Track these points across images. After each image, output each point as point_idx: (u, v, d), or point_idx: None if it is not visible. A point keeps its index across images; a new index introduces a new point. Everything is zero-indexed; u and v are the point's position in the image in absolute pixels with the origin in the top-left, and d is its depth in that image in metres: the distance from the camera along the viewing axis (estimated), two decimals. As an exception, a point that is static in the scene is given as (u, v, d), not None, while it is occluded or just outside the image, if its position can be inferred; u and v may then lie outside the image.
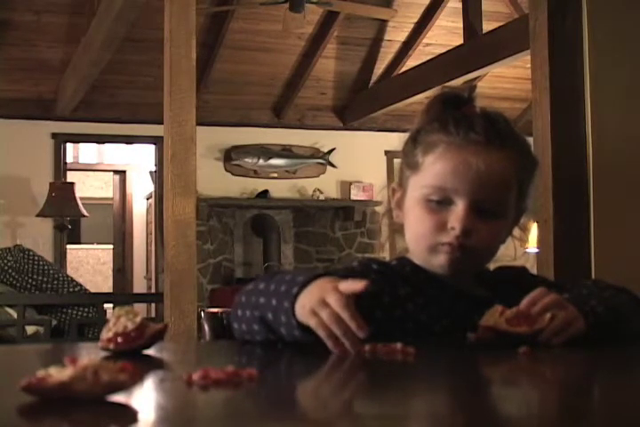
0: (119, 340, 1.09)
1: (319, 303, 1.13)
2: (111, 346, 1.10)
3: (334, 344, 1.12)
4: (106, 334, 1.11)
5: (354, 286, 1.13)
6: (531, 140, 3.03)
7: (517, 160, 1.42)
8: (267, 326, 1.23)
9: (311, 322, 1.13)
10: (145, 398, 0.81)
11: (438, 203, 1.39)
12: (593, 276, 3.02)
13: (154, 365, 1.08)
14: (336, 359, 1.12)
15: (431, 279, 1.42)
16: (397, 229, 1.50)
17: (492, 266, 1.51)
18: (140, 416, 0.72)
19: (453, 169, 1.38)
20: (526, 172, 1.45)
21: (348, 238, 8.53)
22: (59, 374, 0.72)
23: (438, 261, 1.40)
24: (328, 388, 0.96)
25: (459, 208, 1.38)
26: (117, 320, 1.11)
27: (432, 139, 1.42)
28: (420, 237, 1.42)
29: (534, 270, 3.00)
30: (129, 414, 0.72)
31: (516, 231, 1.49)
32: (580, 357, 1.24)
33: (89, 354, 1.19)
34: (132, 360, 0.83)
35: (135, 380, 0.75)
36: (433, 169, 1.40)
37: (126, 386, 0.75)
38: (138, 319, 1.10)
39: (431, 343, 1.29)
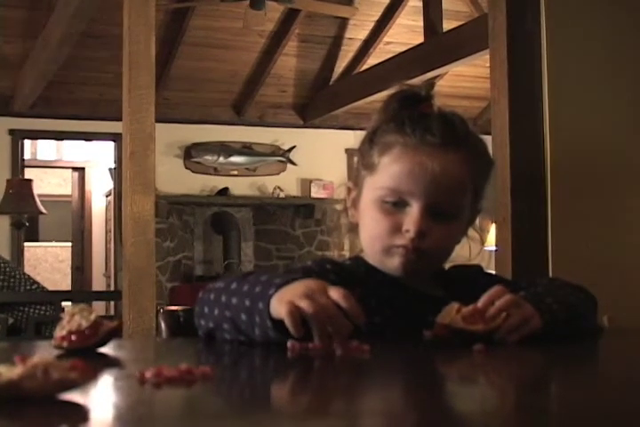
0: (73, 338, 1.08)
1: (301, 297, 1.11)
2: (65, 344, 1.09)
3: (297, 332, 1.10)
4: (59, 332, 1.09)
5: (345, 301, 1.12)
6: (489, 138, 3.05)
7: (473, 162, 1.41)
8: (237, 326, 1.21)
9: (283, 309, 1.10)
10: (97, 397, 0.81)
11: (394, 205, 1.39)
12: (550, 274, 3.04)
13: (108, 363, 1.07)
14: (291, 358, 1.11)
15: (385, 280, 1.42)
16: (353, 229, 1.49)
17: (446, 265, 1.51)
18: (92, 415, 0.71)
19: (409, 171, 1.38)
20: (482, 173, 1.45)
21: (309, 236, 8.53)
22: (8, 372, 0.71)
23: (392, 264, 1.40)
24: (282, 386, 0.96)
25: (414, 211, 1.38)
26: (71, 318, 1.10)
27: (388, 140, 1.41)
28: (374, 238, 1.41)
29: (492, 268, 3.03)
30: (80, 413, 0.71)
31: (471, 231, 1.50)
32: (535, 354, 1.25)
33: (42, 352, 1.18)
34: (86, 358, 0.82)
35: (86, 378, 0.75)
36: (388, 171, 1.40)
37: (77, 384, 0.74)
38: (92, 317, 1.09)
39: (386, 341, 1.29)
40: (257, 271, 1.29)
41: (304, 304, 1.10)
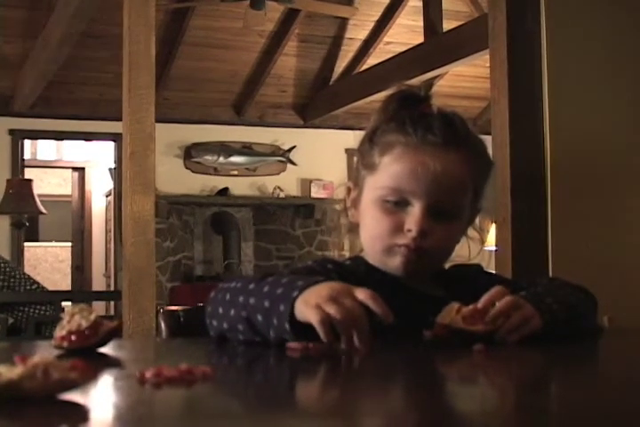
0: (73, 338, 1.08)
1: (327, 300, 1.11)
2: (65, 344, 1.08)
3: (328, 339, 1.10)
4: (59, 332, 1.09)
5: (373, 301, 1.12)
6: (489, 138, 3.05)
7: (473, 162, 1.42)
8: (253, 327, 1.20)
9: (313, 317, 1.10)
10: (97, 397, 0.80)
11: (395, 204, 1.39)
12: (550, 274, 3.04)
13: (108, 363, 1.07)
14: (291, 358, 1.11)
15: (386, 280, 1.42)
16: (353, 229, 1.49)
17: (446, 265, 1.51)
18: (92, 415, 0.71)
19: (410, 171, 1.38)
20: (482, 173, 1.45)
21: (309, 236, 8.53)
22: (8, 372, 0.71)
23: (394, 263, 1.40)
24: (282, 386, 0.96)
25: (415, 210, 1.38)
26: (71, 318, 1.10)
27: (389, 139, 1.41)
28: (375, 238, 1.41)
29: (492, 268, 3.03)
30: (80, 413, 0.71)
31: (471, 231, 1.50)
32: (535, 354, 1.25)
33: (42, 352, 1.17)
34: (86, 358, 0.82)
35: (86, 378, 0.75)
36: (390, 170, 1.40)
37: (77, 384, 0.74)
38: (92, 317, 1.09)
39: (386, 341, 1.28)
40: (275, 273, 1.27)
41: (332, 310, 1.10)
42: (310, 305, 1.12)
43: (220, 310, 1.25)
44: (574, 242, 3.16)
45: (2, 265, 4.85)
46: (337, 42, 7.84)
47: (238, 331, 1.23)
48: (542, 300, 1.34)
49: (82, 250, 9.86)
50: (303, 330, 1.12)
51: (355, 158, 1.52)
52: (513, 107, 3.15)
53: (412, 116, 1.42)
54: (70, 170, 10.16)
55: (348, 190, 1.50)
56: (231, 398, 0.85)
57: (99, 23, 6.54)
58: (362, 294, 1.13)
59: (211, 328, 1.28)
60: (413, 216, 1.37)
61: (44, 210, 7.61)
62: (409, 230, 1.37)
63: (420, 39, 6.84)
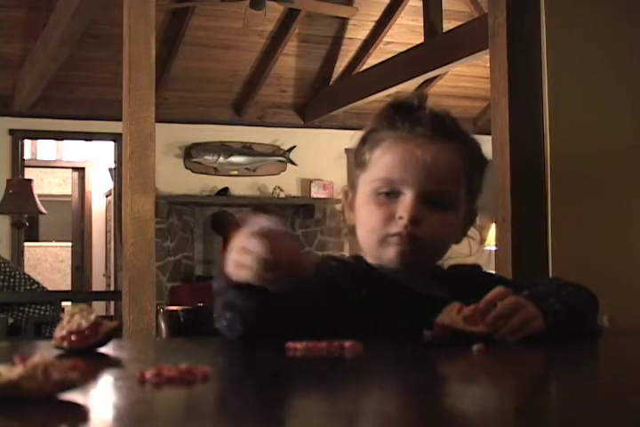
0: (73, 338, 1.08)
1: (240, 253, 1.13)
2: (65, 344, 1.09)
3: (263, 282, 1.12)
4: (59, 332, 1.09)
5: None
6: (489, 138, 3.05)
7: (464, 154, 1.43)
8: (233, 308, 1.22)
9: (242, 274, 1.13)
10: (97, 397, 0.80)
11: (387, 195, 1.40)
12: (550, 274, 3.04)
13: (108, 363, 1.07)
14: (291, 358, 1.11)
15: (386, 280, 1.42)
16: (351, 231, 1.49)
17: (446, 265, 1.51)
18: (92, 415, 0.71)
19: (400, 160, 1.40)
20: (474, 166, 1.46)
21: (309, 236, 8.53)
22: (8, 372, 0.71)
23: (388, 254, 1.40)
24: (280, 386, 0.96)
25: (407, 198, 1.39)
26: (71, 318, 1.10)
27: (380, 136, 1.44)
28: (370, 231, 1.42)
29: (492, 268, 3.03)
30: (80, 413, 0.71)
31: (472, 231, 1.50)
32: (535, 354, 1.25)
33: (42, 352, 1.17)
34: (86, 358, 0.82)
35: (86, 378, 0.75)
36: (380, 162, 1.42)
37: (77, 384, 0.74)
38: (92, 317, 1.09)
39: (387, 341, 1.28)
40: None
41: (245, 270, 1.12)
42: (231, 266, 1.14)
43: (215, 314, 1.27)
44: (574, 242, 3.16)
45: (2, 265, 4.85)
46: (337, 42, 7.84)
47: (234, 320, 1.23)
48: (545, 300, 1.33)
49: (82, 250, 9.86)
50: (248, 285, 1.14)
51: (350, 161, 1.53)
52: (513, 107, 3.15)
53: (402, 115, 1.43)
54: (70, 170, 10.15)
55: (346, 194, 1.51)
56: (231, 398, 0.85)
57: (99, 23, 6.53)
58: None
59: (223, 333, 1.28)
60: (404, 204, 1.39)
61: (43, 210, 7.61)
62: (400, 218, 1.38)
63: (420, 39, 6.84)
